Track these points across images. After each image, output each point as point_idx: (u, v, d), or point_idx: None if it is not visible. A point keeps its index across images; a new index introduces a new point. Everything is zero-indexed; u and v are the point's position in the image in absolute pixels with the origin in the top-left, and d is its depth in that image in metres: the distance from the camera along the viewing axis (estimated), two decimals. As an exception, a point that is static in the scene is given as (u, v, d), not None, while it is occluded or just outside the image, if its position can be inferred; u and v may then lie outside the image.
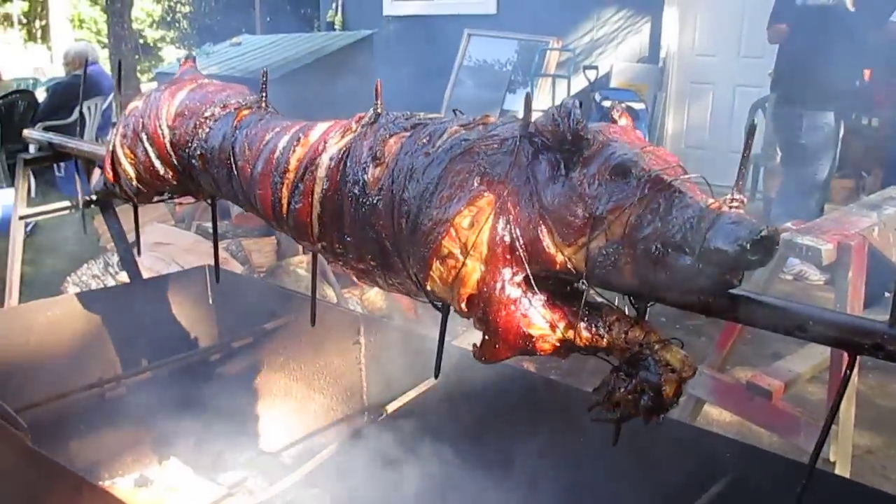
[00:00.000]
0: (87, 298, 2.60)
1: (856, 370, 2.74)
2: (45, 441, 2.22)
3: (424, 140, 1.24)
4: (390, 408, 2.05)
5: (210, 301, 2.76)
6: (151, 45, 19.65)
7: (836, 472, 2.71)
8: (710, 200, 0.96)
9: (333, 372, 2.46)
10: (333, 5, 9.89)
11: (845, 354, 2.60)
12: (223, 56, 8.51)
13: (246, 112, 1.62)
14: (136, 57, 9.57)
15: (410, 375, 2.14)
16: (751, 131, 1.09)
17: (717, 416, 3.62)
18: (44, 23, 20.97)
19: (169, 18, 19.32)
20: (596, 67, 7.11)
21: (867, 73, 5.45)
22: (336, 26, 9.77)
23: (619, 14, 7.80)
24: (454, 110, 1.35)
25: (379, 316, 3.85)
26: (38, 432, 2.14)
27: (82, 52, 7.71)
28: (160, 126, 1.69)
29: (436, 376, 1.36)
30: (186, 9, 18.17)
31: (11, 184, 7.01)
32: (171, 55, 18.37)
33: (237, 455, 2.43)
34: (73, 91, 7.09)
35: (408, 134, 1.28)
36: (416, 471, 2.12)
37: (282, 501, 2.23)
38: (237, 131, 1.56)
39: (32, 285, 4.56)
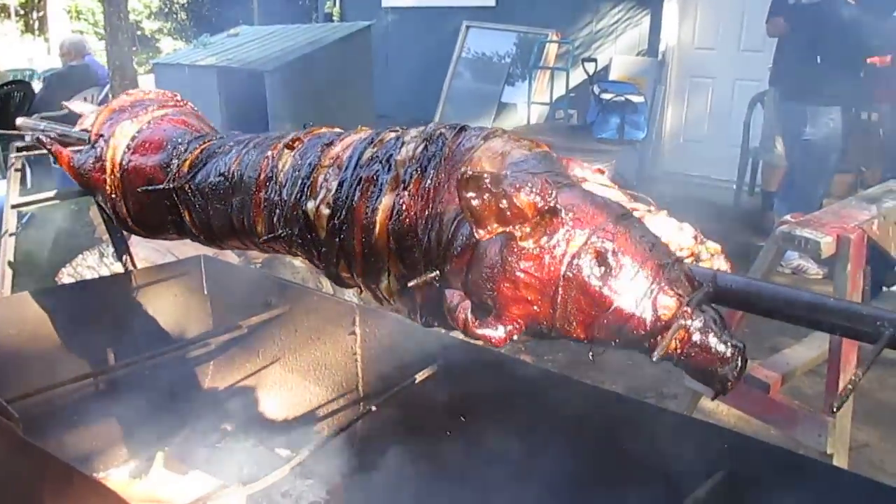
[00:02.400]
0: (81, 288, 2.59)
1: (854, 362, 2.74)
2: (37, 432, 2.21)
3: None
4: (386, 398, 2.02)
5: (205, 291, 2.74)
6: (149, 36, 19.59)
7: (834, 464, 2.69)
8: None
9: (329, 363, 2.44)
10: (331, -4, 9.87)
11: (846, 346, 2.57)
12: (220, 47, 8.47)
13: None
14: (133, 48, 9.53)
15: (407, 366, 2.12)
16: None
17: (713, 409, 3.61)
18: (41, 14, 20.90)
19: (166, 10, 19.25)
20: (595, 60, 7.09)
21: (879, 60, 5.37)
22: (334, 18, 9.74)
23: (618, 7, 7.77)
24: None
25: (374, 306, 3.83)
26: (30, 423, 2.12)
27: (78, 42, 7.68)
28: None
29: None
30: (184, 0, 18.11)
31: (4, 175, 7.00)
32: (169, 46, 18.31)
33: (232, 446, 2.41)
34: (68, 81, 7.07)
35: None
36: (412, 461, 2.10)
37: (277, 492, 2.22)
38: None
39: (28, 276, 4.55)
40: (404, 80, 8.98)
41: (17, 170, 2.37)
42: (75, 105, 2.18)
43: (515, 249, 0.92)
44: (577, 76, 7.59)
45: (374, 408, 2.01)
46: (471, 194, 0.88)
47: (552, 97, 7.67)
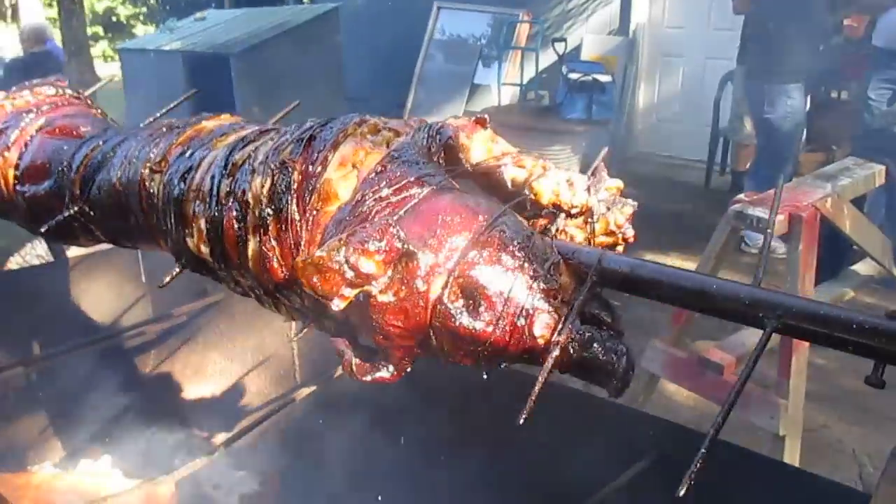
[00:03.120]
0: (14, 277, 2.51)
1: (807, 343, 2.70)
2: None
3: None
4: (318, 386, 1.97)
5: (143, 279, 2.67)
6: (124, 22, 19.29)
7: (786, 446, 2.66)
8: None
9: (266, 350, 2.38)
10: (301, -22, 9.72)
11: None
12: (186, 31, 8.32)
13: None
14: (97, 32, 9.35)
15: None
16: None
17: (673, 392, 3.58)
18: (13, 2, 20.53)
19: (139, -6, 18.98)
20: (564, 40, 7.01)
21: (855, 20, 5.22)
22: (304, 0, 9.59)
23: (589, -14, 7.69)
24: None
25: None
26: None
27: (38, 29, 7.51)
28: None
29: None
30: (156, -16, 17.85)
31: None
32: (143, 32, 18.05)
33: (166, 437, 2.35)
34: (29, 68, 6.92)
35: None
36: (347, 450, 2.05)
37: (209, 484, 2.16)
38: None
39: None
40: (375, 63, 8.86)
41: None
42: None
43: (377, 306, 0.87)
44: (549, 57, 7.50)
45: (306, 394, 1.96)
46: (314, 279, 0.83)
47: (523, 78, 7.58)
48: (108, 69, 14.30)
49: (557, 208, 1.01)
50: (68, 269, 2.60)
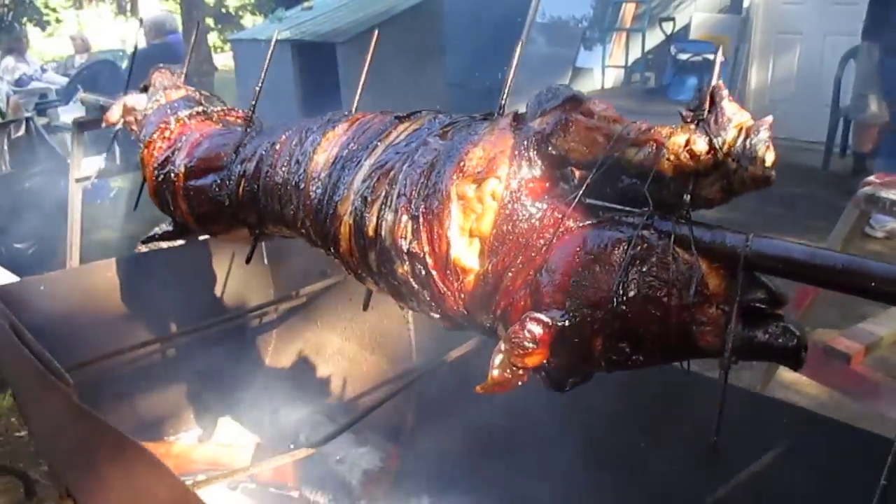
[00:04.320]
0: (146, 259, 2.65)
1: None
2: (101, 397, 2.29)
3: None
4: (440, 364, 2.00)
5: (265, 261, 2.77)
6: (232, 13, 19.97)
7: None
8: None
9: (383, 331, 2.44)
10: (404, -35, 9.79)
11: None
12: (295, 20, 8.55)
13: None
14: (213, 25, 9.72)
15: (458, 334, 2.09)
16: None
17: (793, 381, 3.45)
18: (132, -4, 21.59)
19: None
20: (673, 19, 6.81)
21: None
22: (405, -14, 9.67)
23: (699, -38, 7.44)
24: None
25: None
26: (94, 389, 2.21)
27: (159, 21, 7.87)
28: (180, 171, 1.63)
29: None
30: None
31: (98, 152, 7.29)
32: (251, 22, 18.65)
33: (290, 413, 2.44)
34: (150, 60, 7.25)
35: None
36: (466, 429, 2.08)
37: (332, 459, 2.24)
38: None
39: (112, 249, 4.72)
40: (477, 47, 8.85)
41: (79, 144, 2.44)
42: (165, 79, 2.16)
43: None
44: (655, 37, 7.31)
45: (425, 375, 1.99)
46: (496, 391, 0.97)
47: (628, 60, 7.42)
48: (219, 60, 14.84)
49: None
50: (197, 252, 2.73)
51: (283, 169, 1.39)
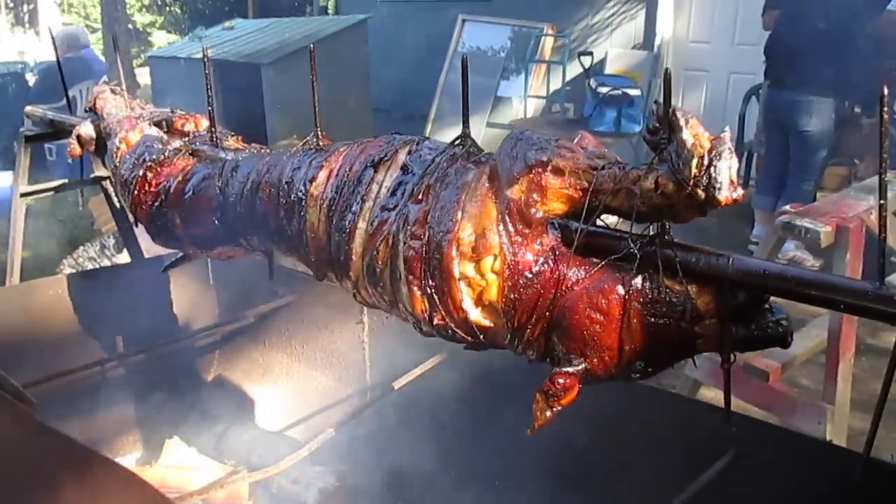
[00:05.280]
0: (88, 277, 2.60)
1: (852, 350, 2.78)
2: (45, 420, 2.22)
3: None
4: (396, 385, 2.05)
5: (210, 281, 2.76)
6: (140, 29, 19.49)
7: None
8: None
9: (336, 351, 2.46)
10: (327, -10, 9.85)
11: (844, 335, 2.60)
12: (216, 40, 8.45)
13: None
14: (131, 40, 9.48)
15: (414, 354, 2.15)
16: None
17: (712, 398, 3.65)
18: (31, 7, 20.76)
19: (160, 3, 19.16)
20: (591, 54, 7.11)
21: None
22: (329, 11, 9.72)
23: (613, 0, 7.80)
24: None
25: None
26: (42, 409, 2.14)
27: (73, 34, 7.65)
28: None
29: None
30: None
31: (4, 167, 6.98)
32: (162, 40, 18.23)
33: (240, 434, 2.43)
34: (66, 74, 7.03)
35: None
36: (420, 449, 2.12)
37: (286, 479, 2.24)
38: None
39: (27, 268, 4.54)
40: (400, 74, 8.98)
41: (24, 159, 2.38)
42: (111, 102, 2.13)
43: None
44: (573, 70, 7.61)
45: (384, 394, 2.03)
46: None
47: (548, 91, 7.69)
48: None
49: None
50: (141, 270, 2.69)
51: (277, 221, 1.42)
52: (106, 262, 4.04)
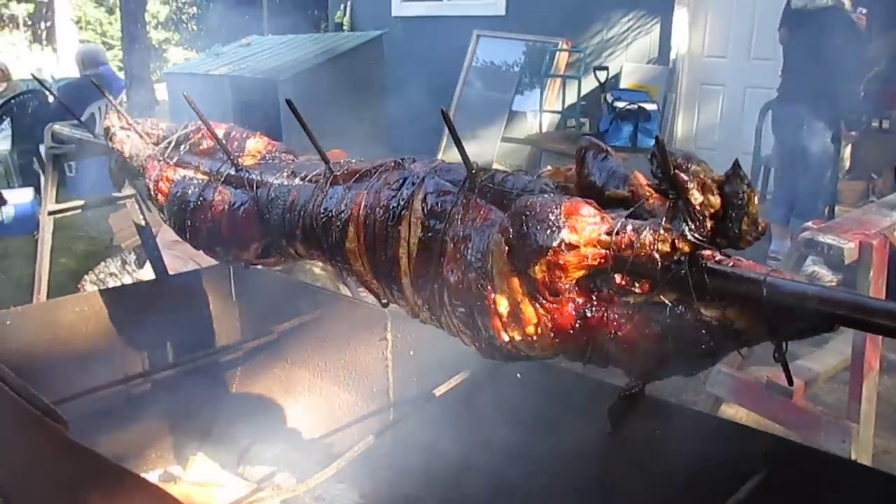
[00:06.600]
0: (114, 295, 2.62)
1: (876, 368, 2.76)
2: (73, 436, 2.23)
3: None
4: (419, 401, 2.05)
5: (233, 298, 2.77)
6: (157, 46, 19.70)
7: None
8: None
9: (359, 368, 2.47)
10: (342, 6, 9.91)
11: (868, 353, 2.59)
12: (233, 57, 8.53)
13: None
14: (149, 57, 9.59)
15: (438, 371, 2.15)
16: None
17: (733, 415, 3.62)
18: (49, 24, 21.03)
19: (176, 20, 19.36)
20: (606, 68, 7.11)
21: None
22: (344, 27, 9.78)
23: (628, 15, 7.80)
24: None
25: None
26: (68, 427, 2.16)
27: (93, 52, 7.75)
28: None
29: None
30: (193, 10, 18.21)
31: (24, 183, 7.05)
32: (178, 56, 18.41)
33: (263, 451, 2.44)
34: (83, 92, 7.12)
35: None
36: (445, 466, 2.12)
37: (310, 497, 2.25)
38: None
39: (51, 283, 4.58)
40: (417, 90, 9.02)
41: (52, 177, 2.41)
42: (128, 144, 2.15)
43: None
44: (588, 84, 7.61)
45: (407, 414, 2.04)
46: None
47: (563, 105, 7.69)
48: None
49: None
50: (165, 288, 2.71)
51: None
52: (127, 278, 4.07)
